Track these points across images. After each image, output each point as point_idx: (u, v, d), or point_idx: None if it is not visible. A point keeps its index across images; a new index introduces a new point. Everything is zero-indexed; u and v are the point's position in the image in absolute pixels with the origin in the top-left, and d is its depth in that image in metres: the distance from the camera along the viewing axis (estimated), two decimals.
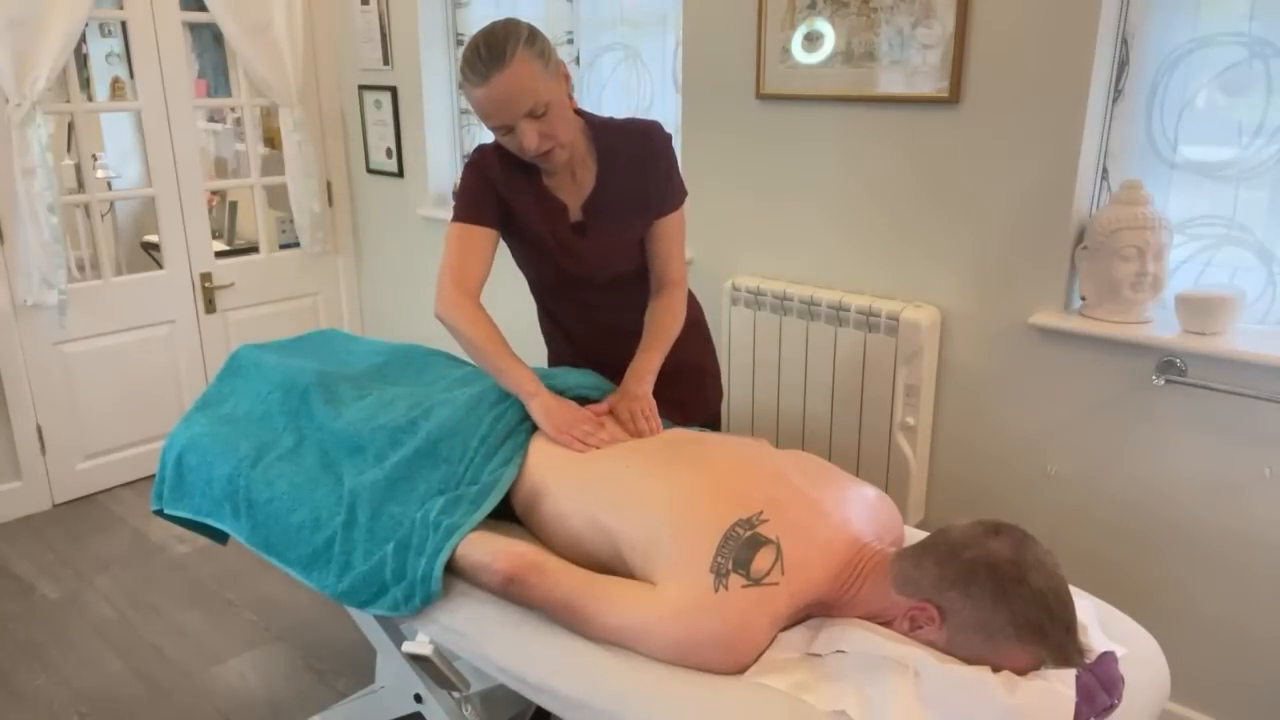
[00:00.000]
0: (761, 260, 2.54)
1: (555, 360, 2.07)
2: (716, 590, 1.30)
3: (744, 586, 1.30)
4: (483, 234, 1.75)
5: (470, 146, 3.51)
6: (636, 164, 1.78)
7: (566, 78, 1.65)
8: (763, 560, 1.32)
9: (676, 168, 1.84)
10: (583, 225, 1.80)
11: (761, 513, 1.37)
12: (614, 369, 1.86)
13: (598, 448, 1.61)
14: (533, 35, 1.60)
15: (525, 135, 1.60)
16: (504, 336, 1.72)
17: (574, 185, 1.79)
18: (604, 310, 1.91)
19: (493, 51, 1.55)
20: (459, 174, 1.82)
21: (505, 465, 1.62)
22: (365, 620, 1.78)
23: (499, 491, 1.59)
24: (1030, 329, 2.10)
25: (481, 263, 1.74)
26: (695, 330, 1.99)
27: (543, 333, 2.07)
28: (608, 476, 1.53)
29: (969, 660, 1.22)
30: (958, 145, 2.11)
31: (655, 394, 1.81)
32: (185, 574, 2.86)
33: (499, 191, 1.76)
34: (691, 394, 2.01)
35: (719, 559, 1.32)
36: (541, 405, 1.65)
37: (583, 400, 1.78)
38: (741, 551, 1.32)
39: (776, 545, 1.33)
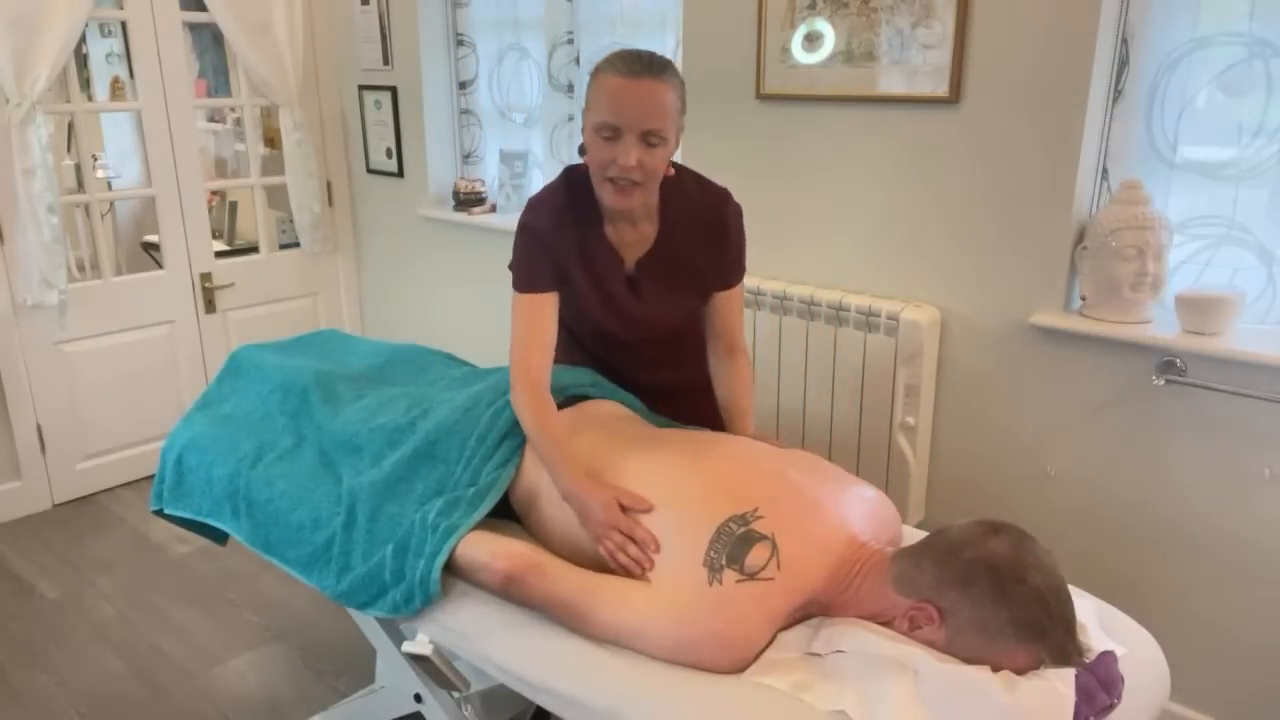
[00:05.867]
0: (761, 260, 2.54)
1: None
2: (710, 584, 1.30)
3: (738, 582, 1.30)
4: (543, 300, 1.68)
5: (470, 146, 3.51)
6: (703, 234, 1.72)
7: (679, 136, 1.62)
8: (757, 556, 1.32)
9: (744, 245, 1.78)
10: (635, 280, 1.74)
11: (756, 509, 1.37)
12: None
13: (639, 566, 1.41)
14: (681, 79, 1.58)
15: (627, 151, 1.52)
16: (562, 429, 1.61)
17: (635, 234, 1.71)
18: (643, 366, 1.86)
19: (651, 61, 1.52)
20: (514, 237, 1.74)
21: (503, 466, 1.62)
22: (365, 620, 1.78)
23: (496, 492, 1.59)
24: (1030, 329, 2.09)
25: (545, 337, 1.67)
26: None
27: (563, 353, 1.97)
28: (607, 477, 1.53)
29: (969, 660, 1.22)
30: (958, 145, 2.11)
31: (680, 411, 1.82)
32: (185, 574, 2.86)
33: (549, 247, 1.67)
34: (714, 409, 1.99)
35: (711, 554, 1.32)
36: (579, 505, 1.49)
37: (579, 399, 1.78)
38: (736, 547, 1.33)
39: (772, 541, 1.33)
